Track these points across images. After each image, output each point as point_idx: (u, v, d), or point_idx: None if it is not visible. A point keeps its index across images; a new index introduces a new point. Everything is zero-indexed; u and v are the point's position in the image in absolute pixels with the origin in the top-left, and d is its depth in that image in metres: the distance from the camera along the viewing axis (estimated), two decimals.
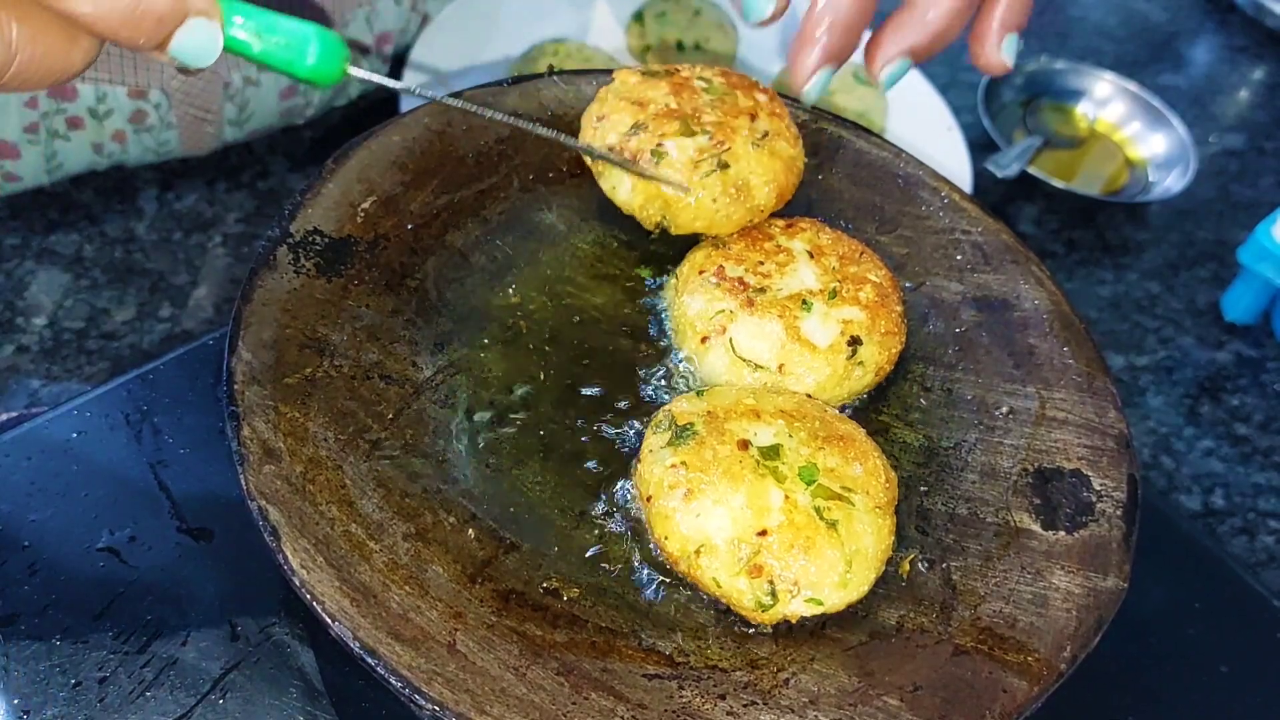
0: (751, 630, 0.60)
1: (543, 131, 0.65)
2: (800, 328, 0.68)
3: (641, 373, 0.69)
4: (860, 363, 0.68)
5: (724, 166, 0.69)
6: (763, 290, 0.69)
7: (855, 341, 0.68)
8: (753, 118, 0.72)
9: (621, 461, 0.65)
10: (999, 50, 0.65)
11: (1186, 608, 0.78)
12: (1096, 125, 1.29)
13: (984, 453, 0.69)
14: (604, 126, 0.71)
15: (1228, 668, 0.75)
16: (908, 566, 0.64)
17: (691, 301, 0.69)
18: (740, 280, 0.69)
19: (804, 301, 0.69)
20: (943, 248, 0.77)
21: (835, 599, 0.59)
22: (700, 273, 0.70)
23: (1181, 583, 0.79)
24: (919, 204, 0.79)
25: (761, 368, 0.67)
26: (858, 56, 0.65)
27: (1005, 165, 1.16)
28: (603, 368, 0.69)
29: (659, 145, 0.69)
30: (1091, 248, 1.17)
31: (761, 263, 0.70)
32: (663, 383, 0.69)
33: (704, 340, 0.68)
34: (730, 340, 0.67)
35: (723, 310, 0.68)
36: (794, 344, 0.67)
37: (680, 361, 0.70)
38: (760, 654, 0.59)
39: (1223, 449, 1.00)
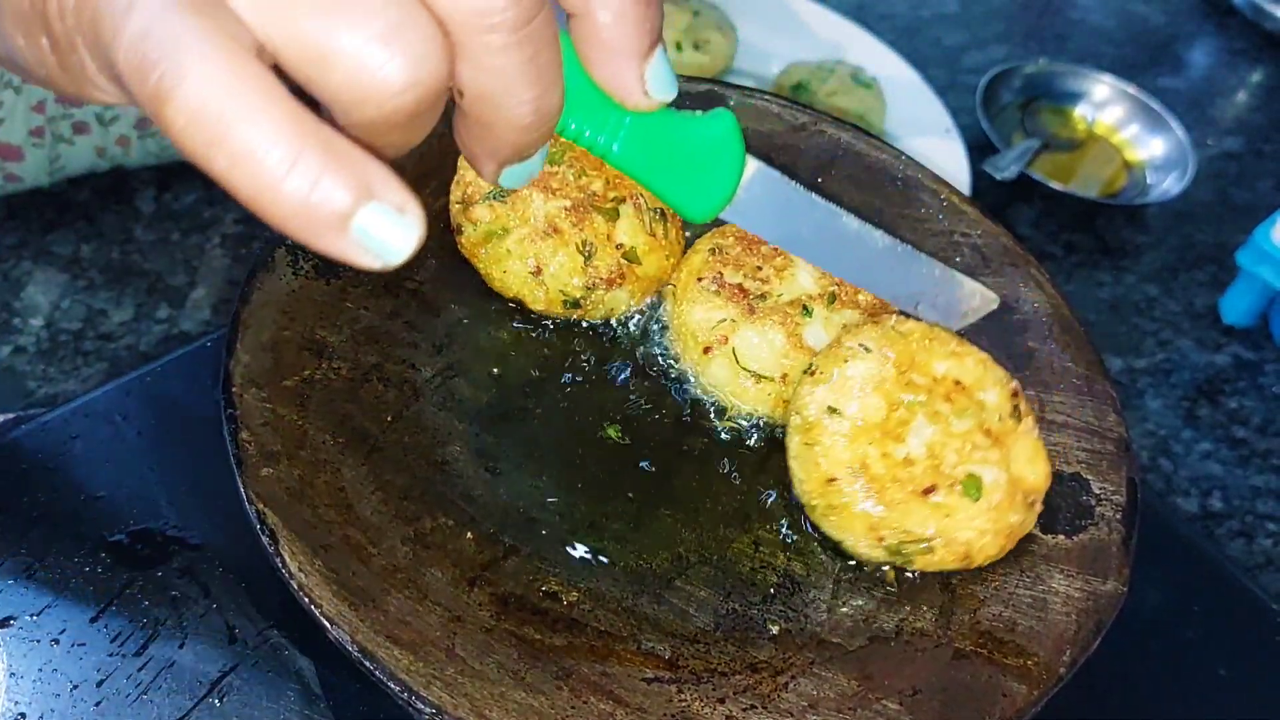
0: (751, 634, 0.60)
1: None
2: (803, 335, 0.67)
3: (646, 379, 0.69)
4: None
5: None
6: (763, 297, 0.68)
7: None
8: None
9: (622, 464, 0.65)
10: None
11: (1184, 611, 0.78)
12: (1095, 127, 1.29)
13: None
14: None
15: (1226, 670, 0.75)
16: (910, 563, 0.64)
17: (692, 310, 0.69)
18: (740, 287, 0.69)
19: (804, 307, 0.68)
20: (942, 250, 0.77)
21: None
22: (699, 280, 0.70)
23: (1179, 586, 0.79)
24: (918, 206, 0.79)
25: (765, 379, 0.67)
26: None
27: (1004, 167, 1.16)
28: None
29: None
30: (1090, 250, 1.17)
31: (760, 268, 0.70)
32: (665, 387, 0.69)
33: (706, 350, 0.68)
34: (733, 350, 0.67)
35: (724, 319, 0.68)
36: (797, 353, 0.67)
37: (681, 362, 0.70)
38: (760, 658, 0.59)
39: (1221, 452, 1.00)
